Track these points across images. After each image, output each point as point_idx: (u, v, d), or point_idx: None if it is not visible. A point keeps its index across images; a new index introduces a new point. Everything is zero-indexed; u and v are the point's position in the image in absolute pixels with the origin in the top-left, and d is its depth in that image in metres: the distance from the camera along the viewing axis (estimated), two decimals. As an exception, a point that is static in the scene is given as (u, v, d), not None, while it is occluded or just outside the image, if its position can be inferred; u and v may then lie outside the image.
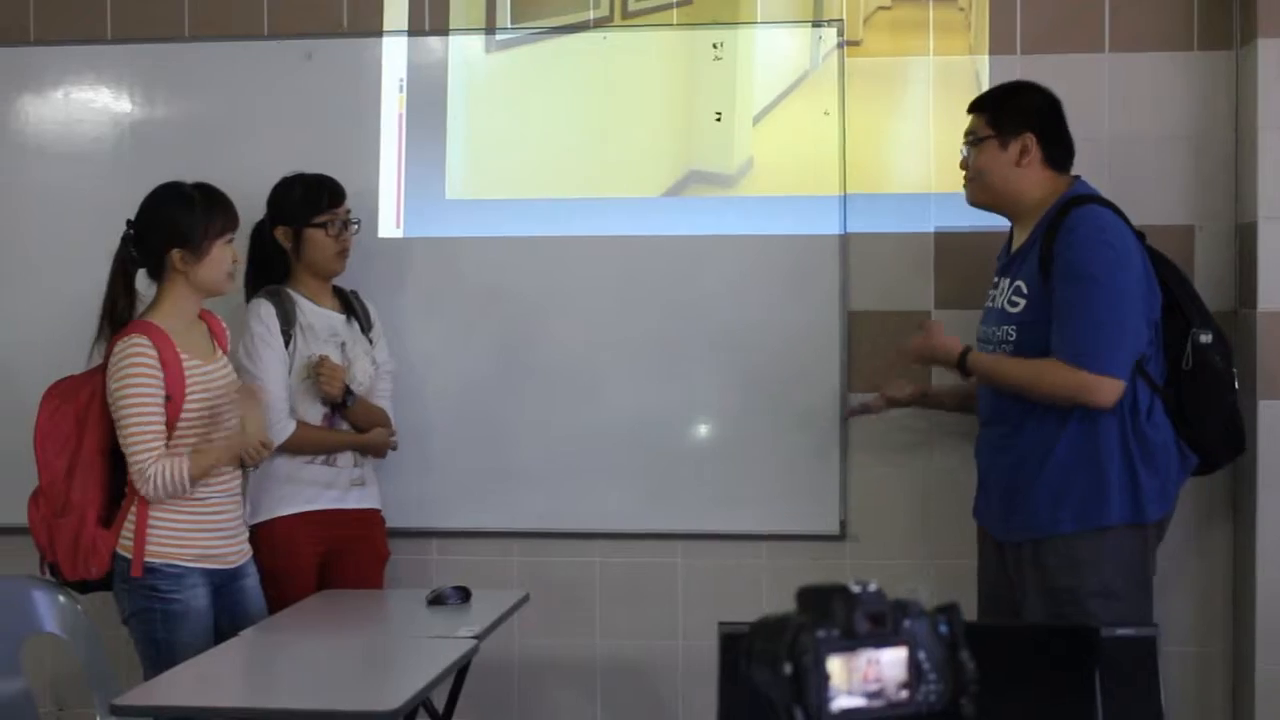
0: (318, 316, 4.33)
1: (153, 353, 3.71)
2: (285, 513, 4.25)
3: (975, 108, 3.97)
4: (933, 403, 4.38)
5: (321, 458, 4.31)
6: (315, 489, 4.29)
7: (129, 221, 3.87)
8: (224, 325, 4.04)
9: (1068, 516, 3.70)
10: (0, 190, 4.85)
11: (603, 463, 4.67)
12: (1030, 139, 3.83)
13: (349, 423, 4.33)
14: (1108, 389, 3.62)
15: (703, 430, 4.70)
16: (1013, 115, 3.86)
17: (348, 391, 4.26)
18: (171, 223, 3.80)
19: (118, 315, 3.81)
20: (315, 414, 4.29)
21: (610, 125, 4.69)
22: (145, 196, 3.89)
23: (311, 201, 4.30)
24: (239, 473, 3.95)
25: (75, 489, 3.80)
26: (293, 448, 4.24)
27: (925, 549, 4.57)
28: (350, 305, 4.43)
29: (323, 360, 4.23)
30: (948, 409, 4.35)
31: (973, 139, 3.91)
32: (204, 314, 3.95)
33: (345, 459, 4.36)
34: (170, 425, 3.73)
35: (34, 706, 3.94)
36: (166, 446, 3.72)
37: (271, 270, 4.32)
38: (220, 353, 3.94)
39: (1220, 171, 4.50)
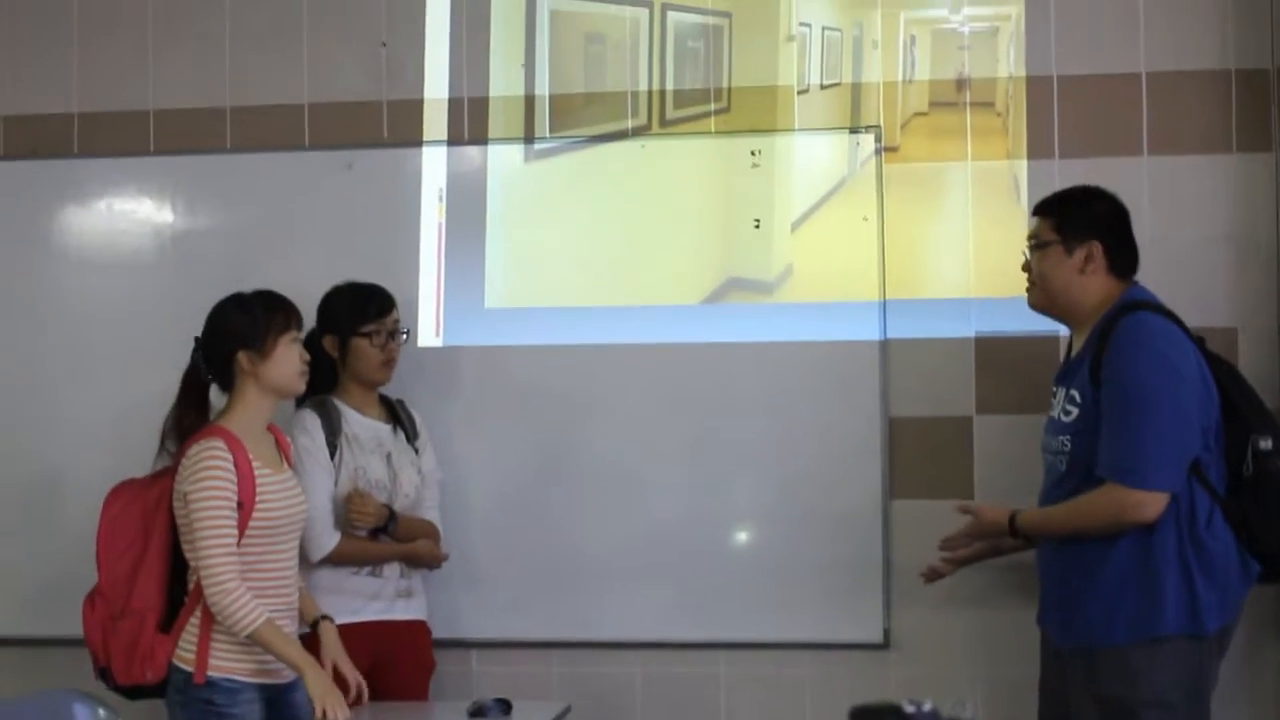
0: (363, 427, 4.32)
1: (229, 457, 3.69)
2: (331, 624, 4.24)
3: (1041, 211, 3.94)
4: (1005, 549, 4.22)
5: (367, 568, 4.29)
6: (361, 600, 4.26)
7: (197, 339, 3.87)
8: (288, 439, 4.03)
9: (1122, 626, 3.64)
10: (44, 299, 4.88)
11: (643, 571, 4.64)
12: (1096, 247, 3.81)
13: (395, 540, 4.32)
14: (1149, 504, 3.58)
15: (743, 537, 4.67)
16: (1079, 222, 3.84)
17: (390, 517, 4.25)
18: (234, 326, 3.80)
19: (184, 430, 3.80)
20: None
21: (649, 233, 4.70)
22: (209, 312, 3.89)
23: (358, 311, 4.31)
24: (298, 588, 3.92)
25: (137, 592, 3.76)
26: (337, 559, 4.22)
27: (971, 658, 4.51)
28: (396, 414, 4.43)
29: (353, 495, 4.22)
30: (1016, 550, 4.24)
31: (1036, 243, 3.88)
32: (270, 427, 3.94)
33: (392, 570, 4.33)
34: (239, 533, 3.69)
35: (72, 822, 3.89)
36: None
37: (320, 379, 4.32)
38: (288, 466, 3.93)
39: (1262, 273, 4.47)
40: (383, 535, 4.27)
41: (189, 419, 3.81)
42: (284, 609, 3.82)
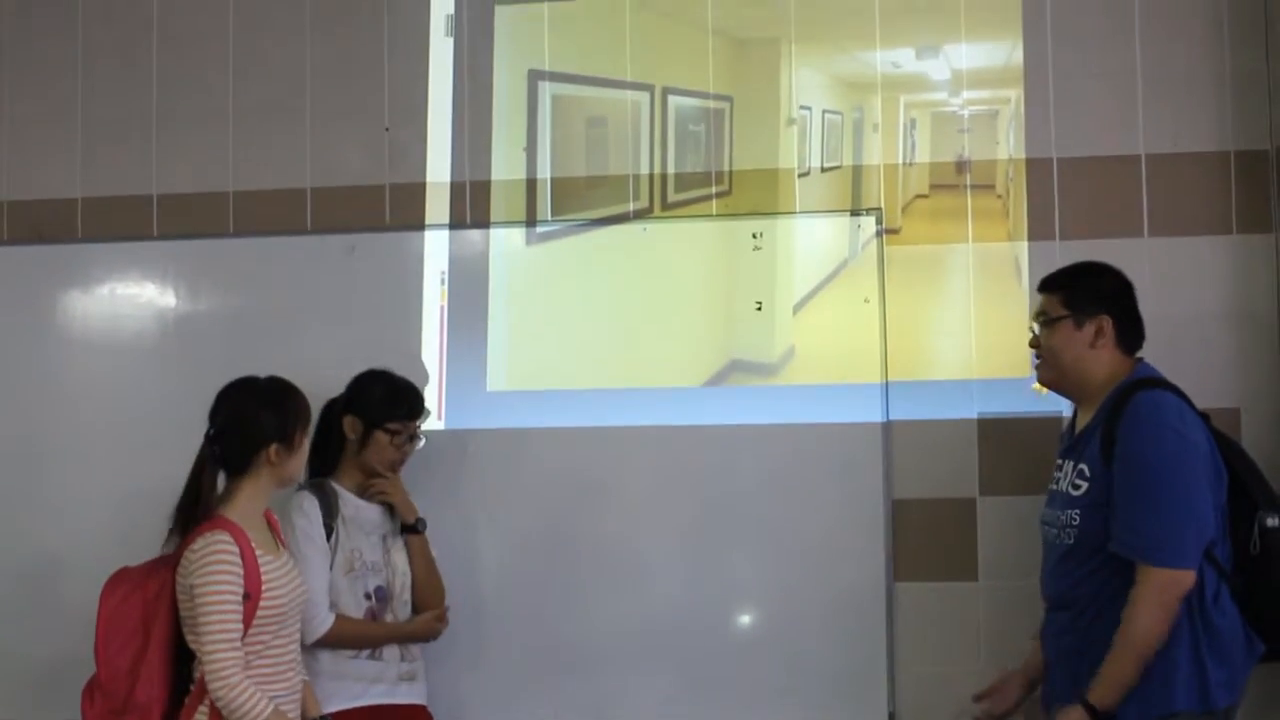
0: (359, 510, 4.32)
1: (235, 550, 3.67)
2: (331, 709, 4.20)
3: (1047, 287, 3.94)
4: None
5: (366, 651, 4.27)
6: (362, 684, 4.23)
7: (208, 432, 3.86)
8: (276, 518, 4.02)
9: (1132, 703, 3.60)
10: (47, 382, 4.88)
11: (646, 654, 4.61)
12: (1106, 321, 3.81)
13: (414, 566, 4.32)
14: (1184, 581, 3.56)
15: (746, 620, 4.65)
16: (1088, 296, 3.84)
17: (420, 518, 4.33)
18: (265, 420, 3.80)
19: (197, 511, 3.78)
20: (357, 607, 4.25)
21: (651, 315, 4.71)
22: (222, 396, 3.87)
23: (392, 405, 4.33)
24: (301, 675, 3.89)
25: (140, 686, 3.72)
26: (334, 642, 4.20)
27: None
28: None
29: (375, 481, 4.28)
30: None
31: (1045, 319, 3.88)
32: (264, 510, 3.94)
33: (392, 652, 4.30)
34: (247, 623, 3.68)
35: None
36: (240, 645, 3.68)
37: (326, 454, 4.32)
38: (283, 548, 3.92)
39: (1264, 354, 4.48)
40: (410, 533, 4.34)
41: (203, 501, 3.79)
42: (288, 693, 3.80)
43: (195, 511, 3.77)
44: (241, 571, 3.66)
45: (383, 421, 4.31)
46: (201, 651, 3.64)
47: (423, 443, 4.41)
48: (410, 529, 4.34)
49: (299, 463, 3.87)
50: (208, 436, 3.83)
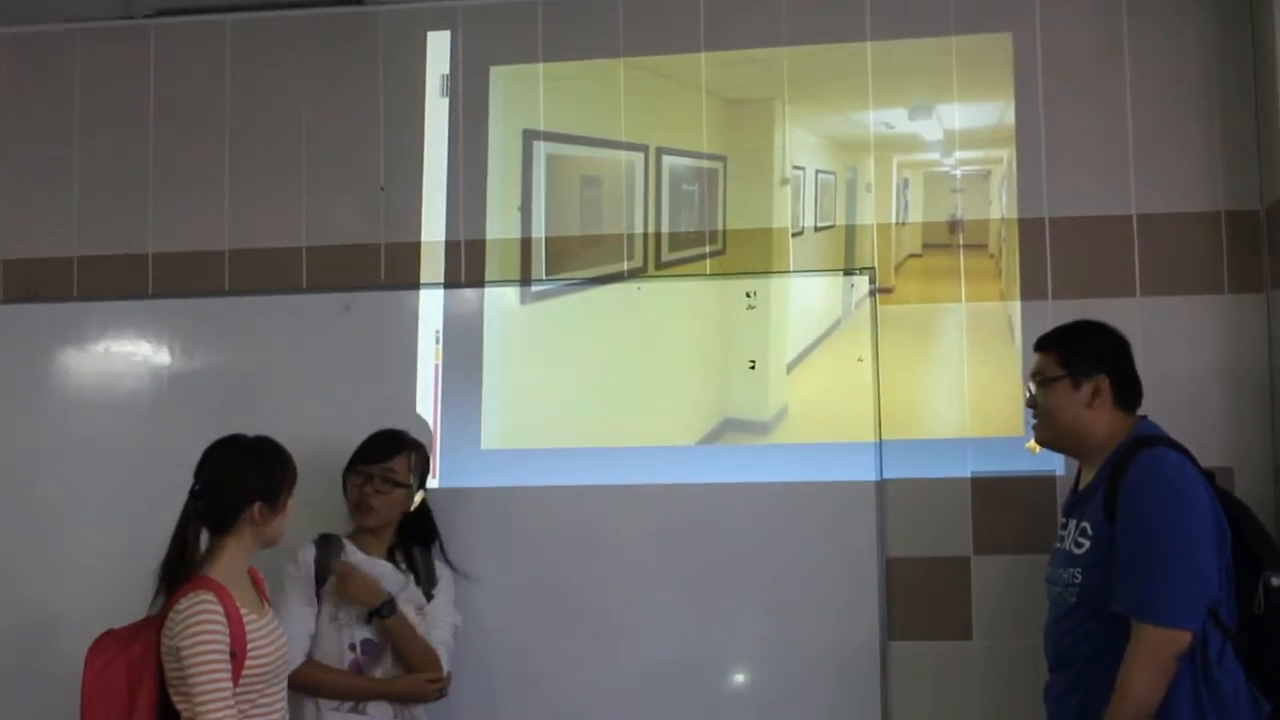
0: (363, 563, 4.30)
1: (219, 609, 3.66)
2: (309, 760, 4.19)
3: (1044, 346, 3.94)
4: None
5: (348, 705, 4.24)
6: None
7: (193, 489, 3.87)
8: (262, 577, 4.01)
9: (1138, 762, 3.59)
10: (41, 440, 4.88)
11: (640, 711, 4.60)
12: (1104, 381, 3.81)
13: (397, 650, 4.26)
14: (1181, 642, 3.55)
15: (740, 678, 4.63)
16: (1085, 356, 3.84)
17: (388, 601, 4.23)
18: (250, 478, 3.80)
19: (181, 569, 3.78)
20: (340, 658, 4.22)
21: (645, 374, 4.72)
22: (209, 453, 3.87)
23: (360, 450, 4.36)
24: None
25: None
26: (310, 688, 4.17)
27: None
28: (410, 556, 4.41)
29: (341, 571, 4.24)
30: None
31: (1042, 379, 3.88)
32: (249, 569, 3.92)
33: (381, 710, 4.26)
34: (233, 682, 3.67)
35: None
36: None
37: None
38: (267, 606, 3.91)
39: (1256, 412, 4.49)
40: (375, 619, 4.23)
41: (188, 559, 3.78)
42: None
43: (180, 569, 3.76)
44: (227, 631, 3.65)
45: (352, 465, 4.35)
46: (195, 713, 3.63)
47: (389, 489, 4.36)
48: (375, 613, 4.28)
49: (282, 524, 3.84)
50: (192, 492, 3.83)
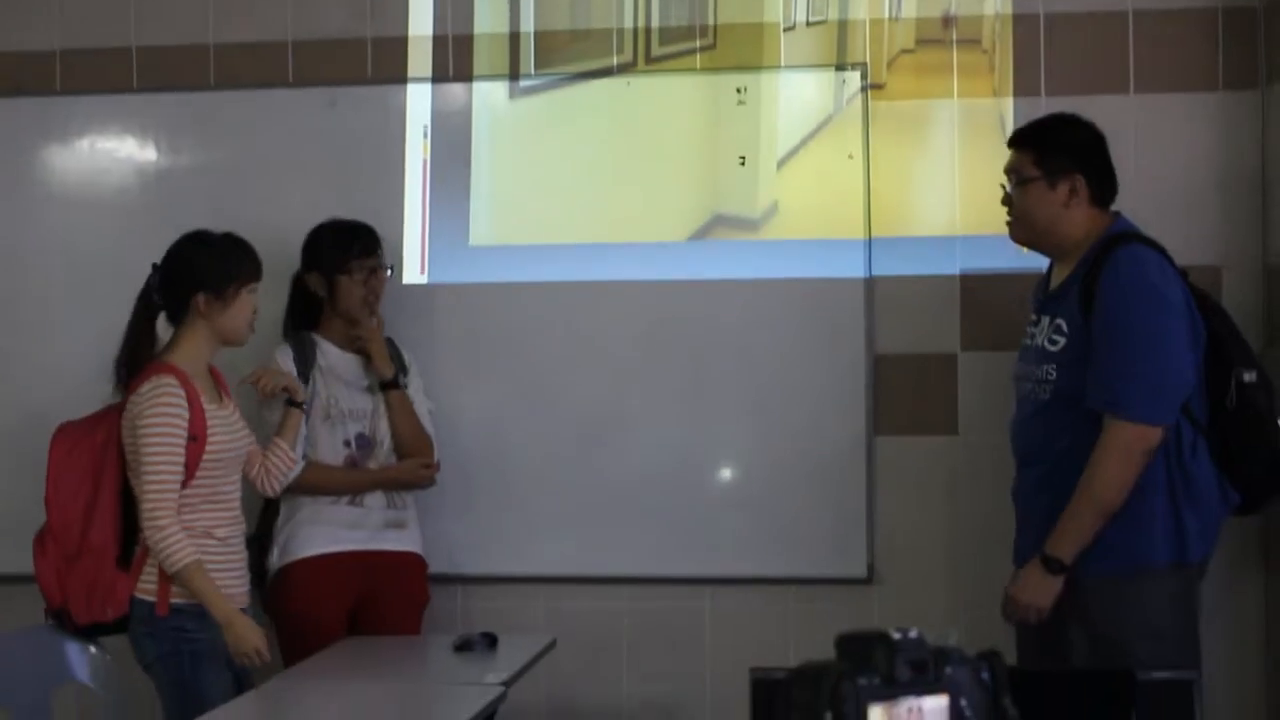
0: (339, 360, 4.33)
1: (182, 393, 3.71)
2: (307, 554, 4.24)
3: (1019, 143, 3.90)
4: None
5: (346, 498, 4.30)
6: (339, 529, 4.27)
7: (155, 265, 3.87)
8: (224, 378, 4.03)
9: (1111, 556, 3.63)
10: (26, 239, 4.86)
11: (628, 507, 4.65)
12: (1079, 180, 3.78)
13: (393, 421, 4.31)
14: (1153, 437, 3.58)
15: (728, 474, 4.69)
16: (1060, 154, 3.80)
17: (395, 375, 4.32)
18: (198, 267, 3.81)
19: (139, 356, 3.81)
20: (335, 454, 4.28)
21: (634, 170, 4.69)
22: (173, 243, 3.90)
23: (342, 249, 4.32)
24: (243, 526, 3.94)
25: (93, 531, 3.79)
26: (310, 488, 4.23)
27: (955, 593, 4.54)
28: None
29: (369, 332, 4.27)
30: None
31: (1018, 179, 3.84)
32: (211, 368, 3.94)
33: (375, 499, 4.33)
34: (191, 467, 3.72)
35: (62, 755, 3.92)
36: (185, 488, 3.71)
37: (306, 317, 4.33)
38: (227, 399, 3.94)
39: (1247, 212, 4.48)
40: (391, 389, 4.31)
41: (143, 345, 3.84)
42: (235, 536, 3.87)
43: (136, 356, 3.81)
44: (188, 415, 3.70)
45: (340, 267, 4.31)
46: (139, 492, 3.70)
47: (390, 272, 4.40)
48: (387, 385, 4.33)
49: (235, 319, 3.82)
50: (148, 280, 3.87)
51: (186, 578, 3.68)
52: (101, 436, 3.84)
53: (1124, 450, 3.59)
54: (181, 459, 3.70)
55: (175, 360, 3.79)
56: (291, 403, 4.10)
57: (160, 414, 3.69)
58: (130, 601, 3.75)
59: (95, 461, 3.83)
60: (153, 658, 3.76)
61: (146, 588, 3.74)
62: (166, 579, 3.71)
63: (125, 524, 3.81)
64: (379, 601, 4.30)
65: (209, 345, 3.86)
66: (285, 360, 4.25)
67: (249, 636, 3.71)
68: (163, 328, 3.92)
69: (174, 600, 3.72)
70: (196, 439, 3.72)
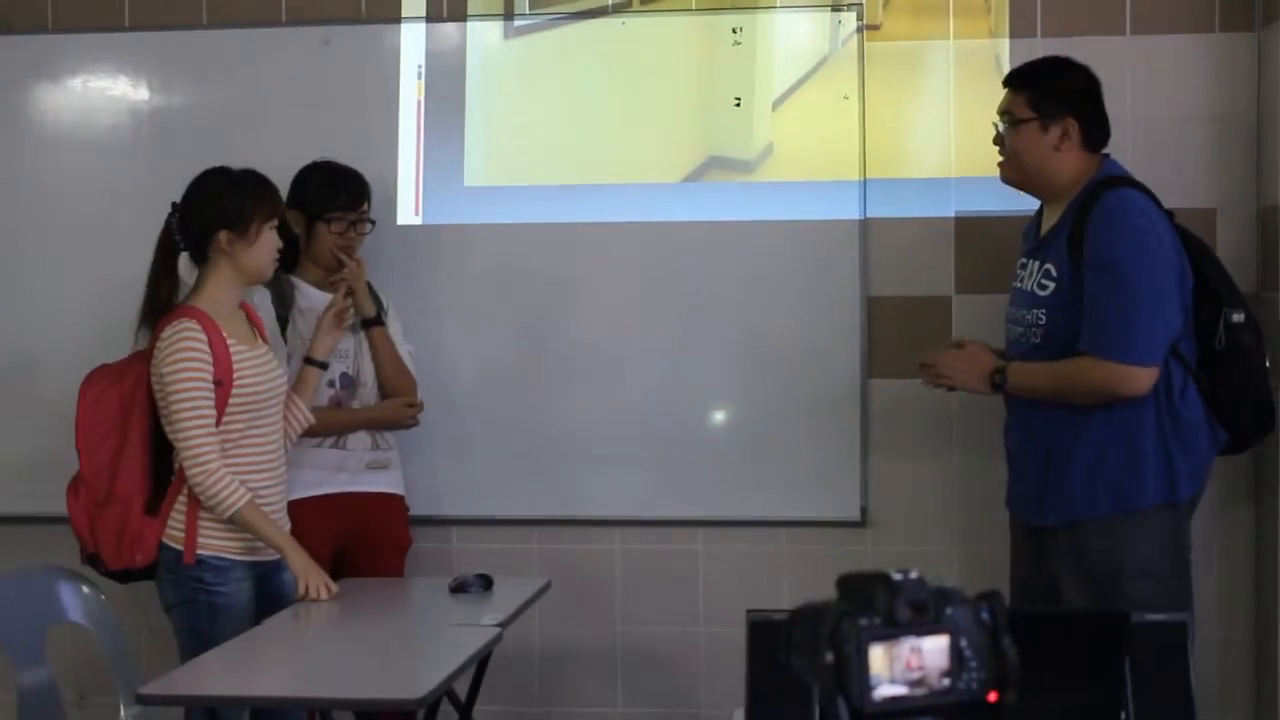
0: (320, 300, 4.27)
1: (203, 337, 3.66)
2: (290, 498, 4.23)
3: (1014, 84, 3.89)
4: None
5: (330, 440, 4.29)
6: (323, 472, 4.26)
7: (174, 204, 3.84)
8: (259, 315, 4.01)
9: (1103, 498, 3.68)
10: (18, 178, 4.85)
11: (623, 449, 4.67)
12: (1072, 124, 3.77)
13: (376, 359, 4.31)
14: (1140, 378, 3.61)
15: (723, 416, 4.70)
16: (1055, 98, 3.79)
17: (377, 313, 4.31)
18: (220, 205, 3.75)
19: (161, 300, 3.78)
20: (320, 395, 4.25)
21: (629, 111, 4.68)
22: (192, 180, 3.84)
23: (328, 196, 4.28)
24: (284, 467, 3.92)
25: (121, 478, 3.76)
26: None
27: (947, 536, 4.56)
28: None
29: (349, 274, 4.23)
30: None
31: (1011, 119, 3.84)
32: (243, 304, 3.91)
33: (359, 440, 4.32)
34: (219, 411, 3.69)
35: (58, 695, 3.93)
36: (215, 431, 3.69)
37: (285, 258, 4.31)
38: (261, 340, 3.92)
39: (1242, 154, 4.48)
40: (374, 326, 4.31)
41: (165, 289, 3.79)
42: (272, 484, 3.83)
43: (158, 298, 3.77)
44: (210, 358, 3.66)
45: (322, 213, 4.27)
46: (177, 440, 3.67)
47: (371, 227, 4.36)
48: (370, 323, 4.32)
49: (259, 256, 3.78)
50: (168, 220, 3.82)
51: (243, 520, 3.67)
52: (130, 382, 3.80)
53: (1103, 383, 3.64)
54: (212, 400, 3.66)
55: (199, 303, 3.75)
56: (311, 361, 4.11)
57: (182, 360, 3.65)
58: (159, 546, 3.74)
59: (123, 408, 3.79)
60: (173, 603, 3.75)
61: (174, 535, 3.71)
62: (193, 530, 3.69)
63: (154, 470, 3.79)
64: (361, 545, 4.30)
65: (234, 284, 3.82)
66: (265, 302, 4.21)
67: (316, 567, 3.74)
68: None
69: (200, 552, 3.70)
70: (222, 383, 3.68)
